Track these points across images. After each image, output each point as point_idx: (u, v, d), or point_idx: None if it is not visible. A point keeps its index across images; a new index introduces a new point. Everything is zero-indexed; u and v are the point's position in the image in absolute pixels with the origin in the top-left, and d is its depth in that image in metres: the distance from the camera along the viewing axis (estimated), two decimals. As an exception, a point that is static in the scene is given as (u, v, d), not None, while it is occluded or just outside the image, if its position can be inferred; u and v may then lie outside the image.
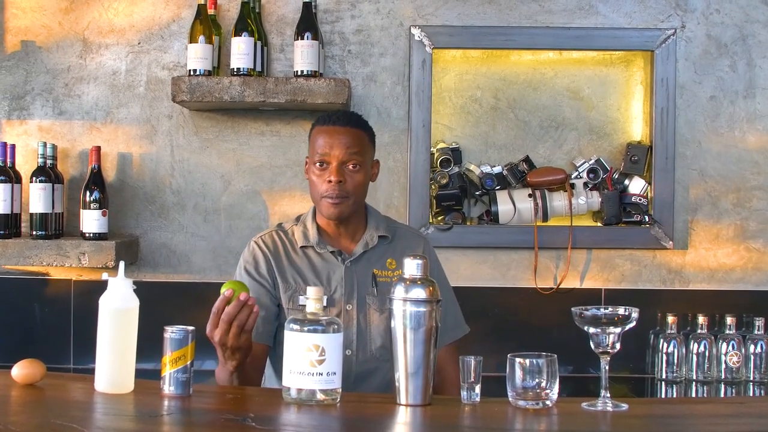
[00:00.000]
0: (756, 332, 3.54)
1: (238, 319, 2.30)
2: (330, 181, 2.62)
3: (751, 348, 3.53)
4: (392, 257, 2.75)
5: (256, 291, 2.66)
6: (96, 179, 3.56)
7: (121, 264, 2.26)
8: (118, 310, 2.21)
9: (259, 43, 3.58)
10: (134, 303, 2.23)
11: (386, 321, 2.65)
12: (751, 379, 3.53)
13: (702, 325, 3.54)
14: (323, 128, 2.68)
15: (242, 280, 2.69)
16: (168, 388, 2.15)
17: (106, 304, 2.21)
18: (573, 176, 3.73)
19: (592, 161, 3.72)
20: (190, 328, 2.19)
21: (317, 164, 2.65)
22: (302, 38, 3.53)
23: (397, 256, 2.74)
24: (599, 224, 3.74)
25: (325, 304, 2.64)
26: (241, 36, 3.51)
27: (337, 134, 2.65)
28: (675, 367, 3.53)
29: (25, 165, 3.66)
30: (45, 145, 3.55)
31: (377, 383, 2.67)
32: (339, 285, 2.68)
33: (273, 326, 2.68)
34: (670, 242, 3.69)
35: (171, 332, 2.16)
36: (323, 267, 2.71)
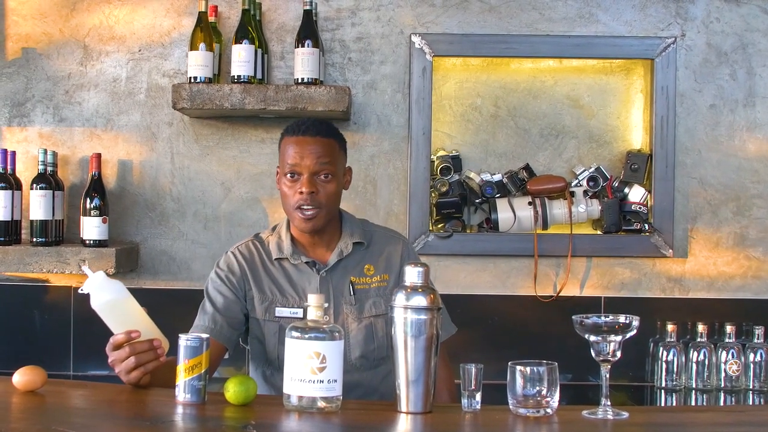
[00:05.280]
0: (756, 341, 3.54)
1: (139, 356, 2.25)
2: (302, 192, 2.59)
3: (751, 356, 3.53)
4: (370, 263, 2.73)
5: (227, 297, 2.67)
6: (96, 186, 3.56)
7: (84, 268, 2.34)
8: (113, 302, 2.25)
9: (259, 51, 3.58)
10: (120, 291, 2.29)
11: (365, 330, 2.66)
12: (751, 387, 3.53)
13: (702, 333, 3.54)
14: (293, 138, 2.63)
15: (214, 285, 2.69)
16: (183, 395, 2.15)
17: (97, 302, 2.25)
18: (573, 184, 3.74)
19: (592, 169, 3.73)
20: (205, 336, 2.20)
21: (288, 175, 2.62)
22: (303, 46, 3.53)
23: (375, 260, 2.73)
24: (599, 232, 3.74)
25: (301, 315, 2.62)
26: (241, 43, 3.52)
27: (307, 144, 2.61)
28: (674, 375, 3.53)
29: (25, 172, 3.66)
30: (45, 152, 3.55)
31: (360, 394, 2.66)
32: None
33: (236, 333, 2.68)
34: (670, 250, 3.69)
35: (186, 340, 2.16)
36: (299, 278, 2.69)
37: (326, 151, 2.62)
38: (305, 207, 2.60)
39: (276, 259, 2.71)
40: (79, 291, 2.28)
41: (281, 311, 2.65)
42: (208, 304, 2.67)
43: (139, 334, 2.25)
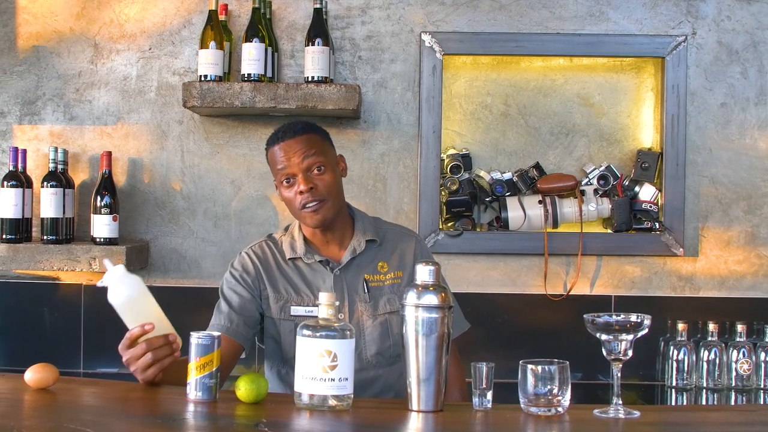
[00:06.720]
0: (767, 340, 3.53)
1: (156, 352, 2.26)
2: (302, 192, 2.60)
3: (762, 355, 3.52)
4: (383, 260, 2.74)
5: (242, 296, 2.68)
6: (107, 184, 3.57)
7: (105, 261, 2.34)
8: (131, 297, 2.25)
9: (269, 49, 3.58)
10: (139, 287, 2.29)
11: (380, 327, 2.67)
12: (762, 386, 3.52)
13: (712, 332, 3.53)
14: (275, 146, 2.65)
15: (230, 285, 2.70)
16: (195, 393, 2.15)
17: (115, 296, 2.25)
18: (583, 183, 3.73)
19: (603, 168, 3.72)
20: (216, 333, 2.20)
21: (284, 182, 2.64)
22: (313, 44, 3.53)
23: (388, 258, 2.74)
24: (609, 231, 3.74)
25: (317, 314, 2.62)
26: (251, 42, 3.52)
27: (289, 146, 2.62)
28: (685, 374, 3.52)
29: (36, 170, 3.67)
30: (56, 150, 3.56)
31: (377, 391, 2.67)
32: None
33: (252, 332, 2.69)
34: (681, 249, 3.68)
35: (198, 338, 2.16)
36: (313, 276, 2.70)
37: (309, 145, 2.63)
38: (309, 204, 2.61)
39: (290, 258, 2.71)
40: (98, 284, 2.28)
41: (296, 310, 2.66)
42: (224, 303, 2.68)
43: (153, 327, 2.25)
